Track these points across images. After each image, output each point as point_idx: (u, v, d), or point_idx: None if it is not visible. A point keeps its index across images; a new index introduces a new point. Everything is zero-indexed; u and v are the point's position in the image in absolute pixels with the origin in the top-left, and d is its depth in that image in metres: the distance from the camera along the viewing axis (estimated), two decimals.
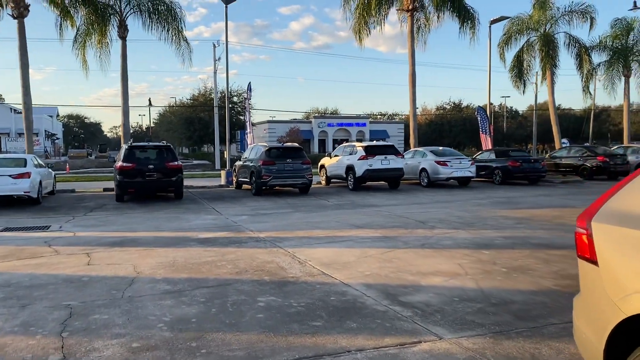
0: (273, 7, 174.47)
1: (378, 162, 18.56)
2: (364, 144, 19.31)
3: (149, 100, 67.84)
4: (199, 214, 13.42)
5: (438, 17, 25.12)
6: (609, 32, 30.94)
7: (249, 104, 24.12)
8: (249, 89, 23.79)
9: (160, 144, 17.14)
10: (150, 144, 17.43)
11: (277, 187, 18.62)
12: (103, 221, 12.15)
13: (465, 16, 25.55)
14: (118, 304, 5.51)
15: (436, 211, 13.13)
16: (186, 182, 20.02)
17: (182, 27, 21.85)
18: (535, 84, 34.32)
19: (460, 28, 25.86)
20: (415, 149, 22.36)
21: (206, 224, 11.54)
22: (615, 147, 27.49)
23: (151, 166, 15.95)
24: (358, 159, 18.71)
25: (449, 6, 25.15)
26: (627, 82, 30.77)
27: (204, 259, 7.71)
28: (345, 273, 6.73)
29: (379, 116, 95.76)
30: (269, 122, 68.20)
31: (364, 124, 71.60)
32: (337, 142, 69.06)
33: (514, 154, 22.02)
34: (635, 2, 33.14)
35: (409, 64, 25.75)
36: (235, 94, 54.69)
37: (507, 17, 28.07)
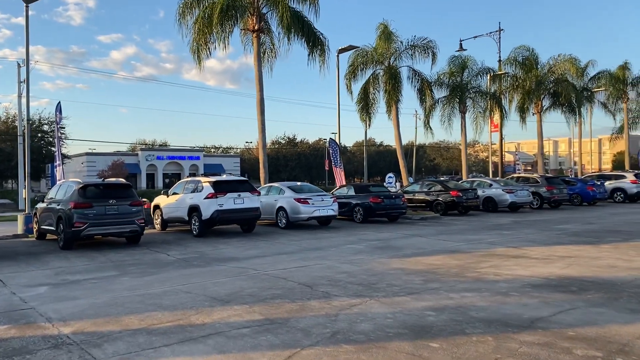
0: (91, 35, 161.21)
1: (230, 201, 15.18)
2: (212, 179, 15.76)
3: None
4: None
5: (289, 39, 22.84)
6: (446, 69, 31.88)
7: (59, 129, 19.10)
8: (58, 110, 18.78)
9: None
10: None
11: (97, 237, 14.22)
12: None
13: (315, 42, 23.74)
14: None
15: (315, 265, 10.22)
16: None
17: None
18: (362, 122, 33.78)
19: (309, 55, 23.95)
20: (270, 184, 19.41)
21: None
22: (461, 181, 27.72)
23: None
24: (204, 198, 15.14)
25: (298, 30, 23.11)
26: (463, 118, 31.75)
27: None
28: None
29: (212, 149, 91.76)
30: (87, 154, 60.51)
31: (198, 158, 67.40)
32: (167, 176, 63.75)
33: (374, 189, 20.29)
34: (461, 44, 35.04)
35: (257, 90, 23.02)
36: (46, 121, 47.22)
37: (356, 47, 27.13)
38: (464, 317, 6.22)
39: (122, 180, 14.69)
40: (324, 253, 11.93)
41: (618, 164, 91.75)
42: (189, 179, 17.23)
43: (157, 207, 17.67)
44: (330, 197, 17.94)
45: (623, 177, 30.07)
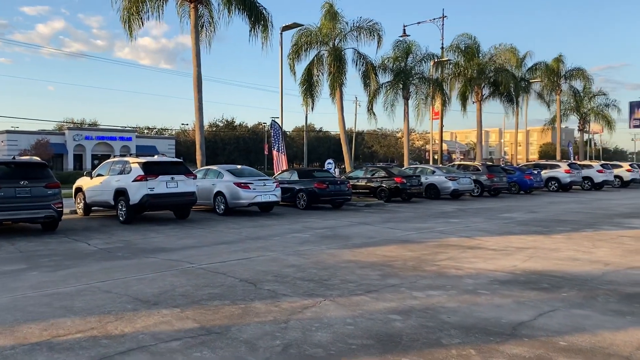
0: (14, 5, 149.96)
1: (162, 185, 13.73)
2: (142, 159, 14.21)
3: None
4: None
5: (229, 12, 21.33)
6: (391, 53, 31.22)
7: None
8: None
9: None
10: None
11: (6, 223, 12.46)
12: None
13: (257, 17, 22.35)
14: None
15: (259, 257, 9.15)
16: None
17: None
18: (305, 105, 32.85)
19: (250, 31, 22.51)
20: (208, 167, 18.00)
21: None
22: (403, 167, 27.28)
23: None
24: (133, 180, 13.61)
25: (239, 3, 21.63)
26: (406, 105, 31.27)
27: None
28: None
29: (146, 130, 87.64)
30: (8, 132, 56.08)
31: (130, 139, 63.94)
32: (96, 157, 60.11)
33: (319, 174, 19.33)
34: (404, 30, 34.55)
35: (194, 65, 21.41)
36: None
37: (300, 25, 25.86)
38: (435, 322, 5.37)
39: (37, 158, 12.92)
40: (267, 243, 10.87)
41: (544, 154, 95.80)
42: (116, 159, 15.58)
43: (79, 189, 15.91)
44: (273, 182, 16.81)
45: (557, 166, 30.72)
